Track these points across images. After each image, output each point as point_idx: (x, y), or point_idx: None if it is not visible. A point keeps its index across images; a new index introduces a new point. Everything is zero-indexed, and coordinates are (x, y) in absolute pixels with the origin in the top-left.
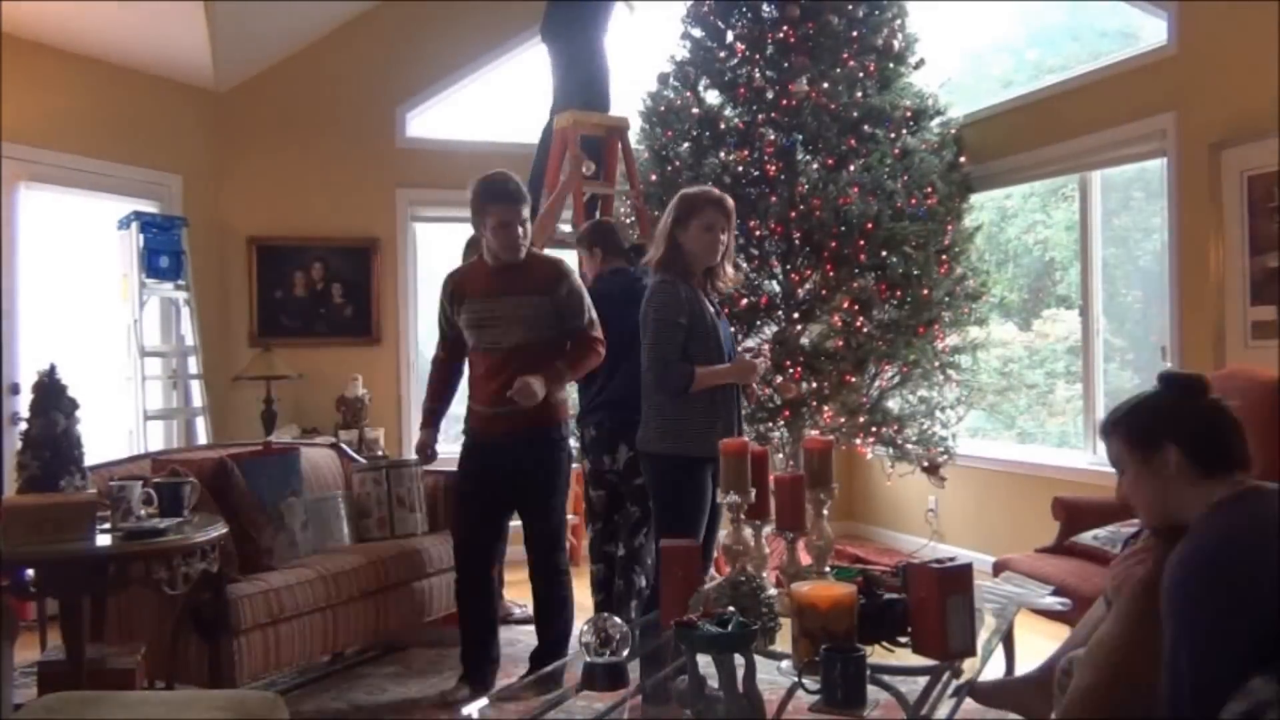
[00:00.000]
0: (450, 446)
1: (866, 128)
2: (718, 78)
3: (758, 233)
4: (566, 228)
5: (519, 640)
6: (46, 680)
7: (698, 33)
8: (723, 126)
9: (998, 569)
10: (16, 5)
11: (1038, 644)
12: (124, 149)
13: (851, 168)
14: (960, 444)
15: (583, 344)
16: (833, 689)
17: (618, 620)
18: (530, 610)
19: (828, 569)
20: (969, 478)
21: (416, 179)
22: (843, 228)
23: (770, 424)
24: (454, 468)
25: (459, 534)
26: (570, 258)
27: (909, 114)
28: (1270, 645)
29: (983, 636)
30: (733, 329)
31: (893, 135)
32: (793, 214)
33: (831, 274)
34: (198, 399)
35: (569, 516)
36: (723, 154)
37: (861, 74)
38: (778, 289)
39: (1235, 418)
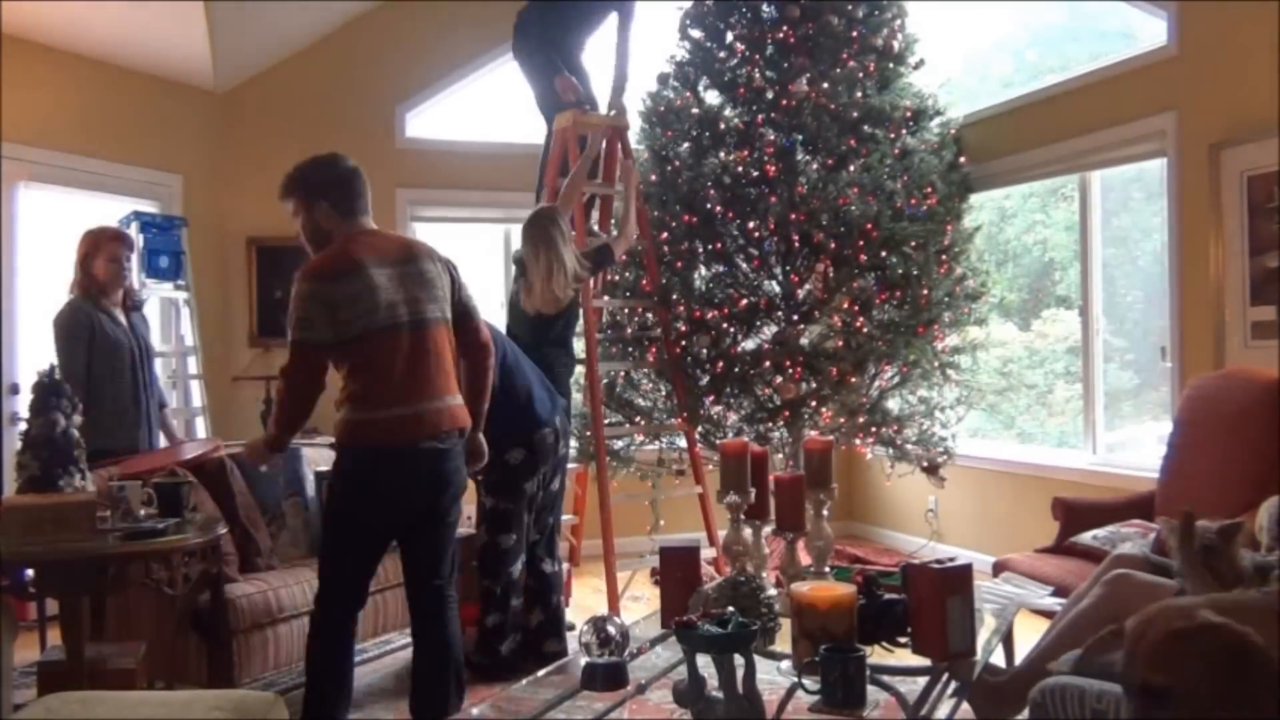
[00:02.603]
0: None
1: (866, 128)
2: (718, 78)
3: (757, 233)
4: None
5: None
6: (46, 680)
7: (697, 33)
8: (723, 126)
9: (997, 569)
10: (16, 5)
11: None
12: (124, 149)
13: (851, 168)
14: (960, 444)
15: None
16: (832, 689)
17: (617, 620)
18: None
19: (828, 569)
20: (969, 478)
21: (416, 179)
22: (842, 228)
23: (770, 424)
24: None
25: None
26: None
27: (909, 114)
28: None
29: (983, 636)
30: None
31: (892, 135)
32: (792, 214)
33: (831, 274)
34: (198, 399)
35: (568, 517)
36: (722, 154)
37: (861, 74)
38: (777, 289)
39: None
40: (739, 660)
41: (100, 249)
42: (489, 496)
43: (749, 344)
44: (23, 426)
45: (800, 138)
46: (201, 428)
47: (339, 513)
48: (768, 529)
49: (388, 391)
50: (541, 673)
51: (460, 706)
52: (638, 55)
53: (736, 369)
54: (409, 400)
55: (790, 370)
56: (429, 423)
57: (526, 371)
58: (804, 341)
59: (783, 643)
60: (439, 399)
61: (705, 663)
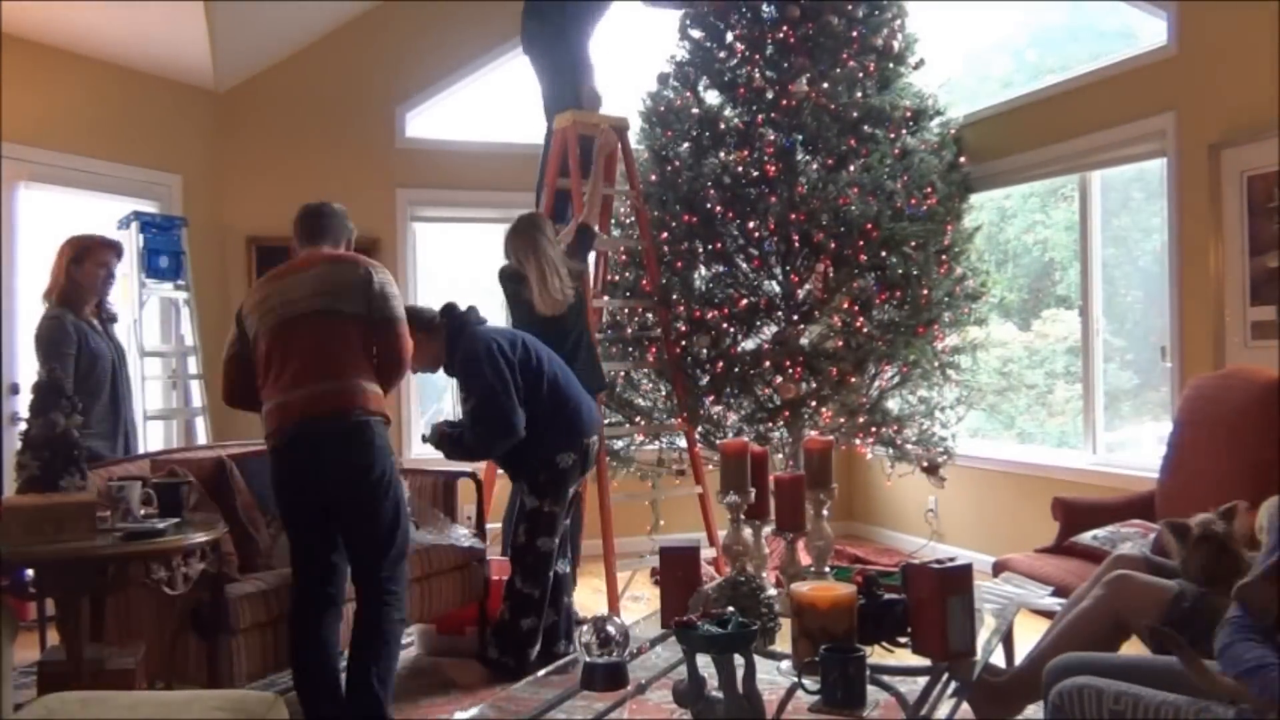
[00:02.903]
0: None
1: (866, 128)
2: (717, 78)
3: (757, 233)
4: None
5: None
6: (46, 680)
7: (697, 33)
8: (723, 126)
9: (997, 569)
10: (16, 5)
11: None
12: (124, 149)
13: (851, 168)
14: (960, 444)
15: None
16: (832, 689)
17: (617, 620)
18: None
19: (828, 569)
20: (969, 478)
21: (416, 179)
22: (842, 228)
23: (770, 424)
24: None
25: None
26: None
27: (909, 114)
28: None
29: (983, 636)
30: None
31: (892, 135)
32: (792, 214)
33: (831, 274)
34: (198, 399)
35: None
36: (723, 154)
37: (861, 74)
38: (777, 289)
39: None
40: (739, 660)
41: (90, 254)
42: (535, 498)
43: (749, 344)
44: (23, 426)
45: (800, 138)
46: (201, 428)
47: (280, 512)
48: (768, 529)
49: (286, 375)
50: (541, 673)
51: (387, 706)
52: (636, 55)
53: (736, 369)
54: (306, 382)
55: (790, 370)
56: (327, 402)
57: (574, 382)
58: (804, 341)
59: (783, 643)
60: (338, 380)
61: (705, 663)
